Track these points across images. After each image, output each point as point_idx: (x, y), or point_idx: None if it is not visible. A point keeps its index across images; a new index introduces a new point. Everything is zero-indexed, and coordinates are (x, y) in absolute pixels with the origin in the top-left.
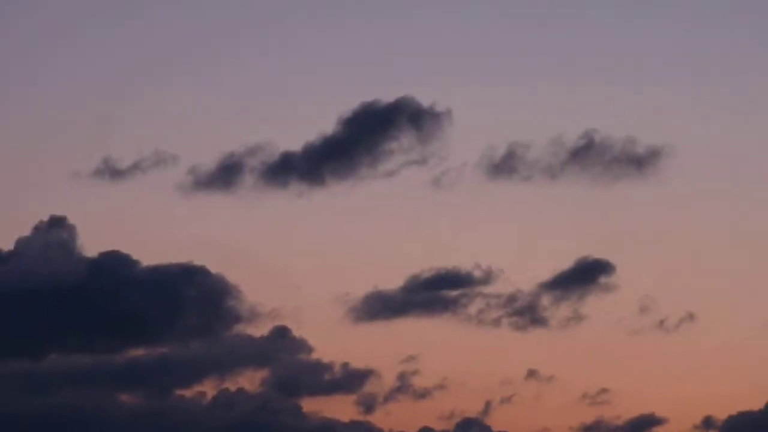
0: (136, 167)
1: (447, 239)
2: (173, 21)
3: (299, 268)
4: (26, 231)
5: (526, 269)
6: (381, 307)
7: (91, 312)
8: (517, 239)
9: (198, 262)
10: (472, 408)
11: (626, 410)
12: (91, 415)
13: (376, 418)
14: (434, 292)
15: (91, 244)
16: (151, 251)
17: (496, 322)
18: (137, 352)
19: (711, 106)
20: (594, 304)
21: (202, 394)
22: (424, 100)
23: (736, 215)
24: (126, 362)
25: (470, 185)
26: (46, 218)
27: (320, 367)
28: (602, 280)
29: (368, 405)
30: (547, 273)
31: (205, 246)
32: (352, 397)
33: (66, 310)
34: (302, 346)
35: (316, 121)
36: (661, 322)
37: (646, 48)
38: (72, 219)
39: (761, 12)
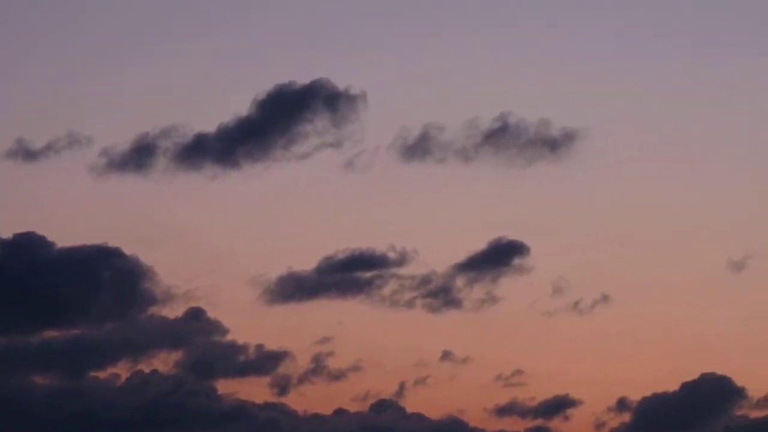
0: (49, 148)
1: (361, 221)
2: (87, 4)
3: (214, 250)
4: None
5: (440, 251)
6: (295, 288)
7: (6, 293)
8: (431, 221)
9: (112, 243)
10: (386, 389)
11: (540, 392)
12: (5, 396)
13: (291, 400)
14: (348, 274)
15: (5, 226)
16: (65, 233)
17: (411, 304)
18: (52, 334)
19: (625, 89)
20: (508, 285)
21: (116, 375)
22: (340, 82)
23: (650, 197)
24: (40, 344)
25: (384, 167)
26: None
27: (235, 349)
28: (516, 261)
29: (283, 387)
30: (461, 254)
31: (119, 227)
32: (267, 379)
33: None
34: (217, 327)
35: (230, 103)
36: (576, 304)
37: (560, 30)
38: None
39: None
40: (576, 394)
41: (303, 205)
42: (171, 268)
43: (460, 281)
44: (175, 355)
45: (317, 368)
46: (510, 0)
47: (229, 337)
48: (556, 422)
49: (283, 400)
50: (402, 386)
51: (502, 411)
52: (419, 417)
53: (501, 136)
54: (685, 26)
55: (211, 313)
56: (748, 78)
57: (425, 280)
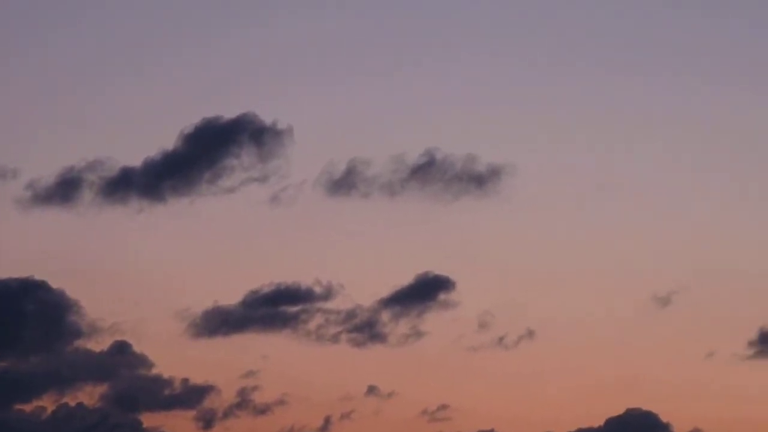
0: None
1: (287, 255)
2: (12, 37)
3: (139, 283)
4: None
5: (365, 285)
6: (221, 322)
7: None
8: (357, 255)
9: (38, 276)
10: (311, 424)
11: (466, 427)
12: None
13: None
14: (274, 308)
15: None
16: None
17: (336, 338)
18: None
19: (551, 125)
20: (434, 320)
21: (42, 408)
22: (266, 117)
23: (575, 233)
24: None
25: (310, 202)
26: None
27: (160, 383)
28: (442, 296)
29: (208, 420)
30: (387, 289)
31: (45, 261)
32: (192, 413)
33: None
34: (142, 361)
35: (157, 137)
36: (501, 339)
37: (487, 67)
38: None
39: (596, 29)
40: (501, 429)
41: (229, 239)
42: (97, 301)
43: (385, 316)
44: (101, 389)
45: (242, 402)
46: (437, 36)
47: (154, 371)
48: None
49: None
50: (327, 421)
51: None
52: None
53: (427, 171)
54: (612, 62)
55: (136, 347)
56: (673, 112)
57: (351, 315)
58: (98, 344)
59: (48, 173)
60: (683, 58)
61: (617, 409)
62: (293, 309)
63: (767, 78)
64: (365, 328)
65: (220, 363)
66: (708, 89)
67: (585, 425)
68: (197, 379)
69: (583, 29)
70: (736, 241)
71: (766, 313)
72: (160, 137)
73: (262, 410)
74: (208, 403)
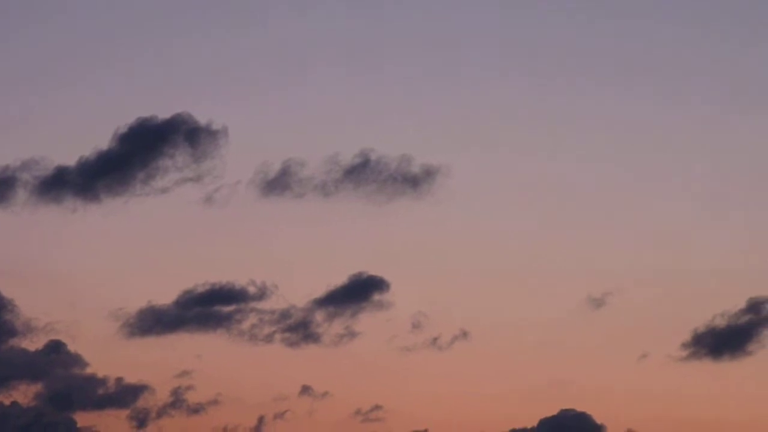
0: None
1: (221, 255)
2: None
3: (74, 283)
4: None
5: (299, 286)
6: (155, 322)
7: None
8: (291, 256)
9: None
10: (245, 424)
11: (399, 427)
12: None
13: None
14: (208, 308)
15: None
16: None
17: (270, 338)
18: None
19: (484, 126)
20: (367, 320)
21: None
22: (201, 117)
23: (510, 234)
24: None
25: (244, 202)
26: None
27: (94, 382)
28: (376, 296)
29: (142, 420)
30: (321, 289)
31: None
32: (126, 412)
33: None
34: (77, 360)
35: (91, 136)
36: (435, 340)
37: (422, 68)
38: None
39: (525, 30)
40: (434, 429)
41: (163, 239)
42: (31, 301)
43: (319, 316)
44: (35, 388)
45: (176, 402)
46: (370, 38)
47: (88, 370)
48: None
49: None
50: (261, 421)
51: None
52: None
53: (362, 172)
54: (541, 65)
55: (71, 346)
56: (605, 114)
57: (285, 315)
58: (33, 343)
59: None
60: (608, 60)
61: (551, 410)
62: (227, 309)
63: (686, 76)
64: (299, 329)
65: (154, 363)
66: (636, 90)
67: (519, 426)
68: (131, 378)
69: (513, 31)
70: (671, 243)
71: (699, 315)
72: (95, 137)
73: (196, 410)
74: (142, 402)
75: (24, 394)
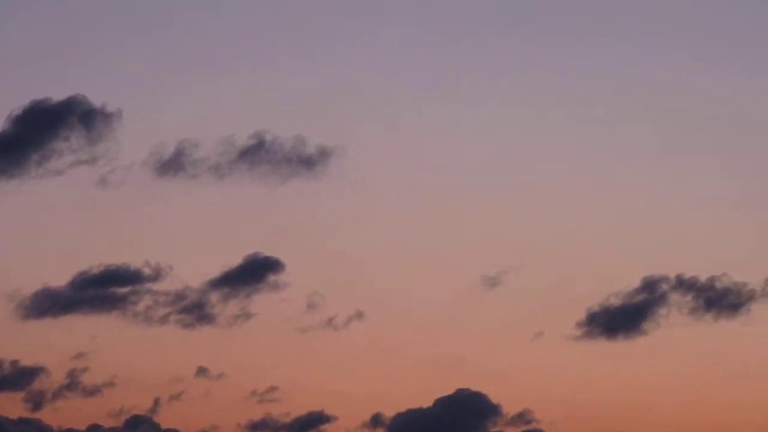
0: None
1: (116, 237)
2: None
3: None
4: None
5: (194, 267)
6: (50, 304)
7: None
8: (186, 237)
9: None
10: (141, 405)
11: (295, 407)
12: None
13: (45, 415)
14: (103, 290)
15: None
16: None
17: (165, 320)
18: None
19: (378, 107)
20: (263, 301)
21: None
22: (95, 99)
23: (404, 214)
24: None
25: (138, 184)
26: None
27: None
28: (271, 277)
29: (37, 402)
30: (215, 270)
31: None
32: (21, 394)
33: None
34: None
35: None
36: (330, 320)
37: (316, 49)
38: None
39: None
40: (331, 410)
41: (57, 221)
42: None
43: (214, 297)
44: None
45: (72, 384)
46: (265, 21)
47: None
48: None
49: (38, 415)
50: (157, 402)
51: (256, 426)
52: None
53: (256, 153)
54: (441, 50)
55: None
56: (498, 92)
57: (180, 296)
58: None
59: None
60: (497, 37)
61: (447, 390)
62: (122, 290)
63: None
64: (194, 310)
65: (50, 344)
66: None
67: (415, 405)
68: (27, 360)
69: (404, 11)
70: (566, 222)
71: (594, 294)
72: None
73: (92, 392)
74: (38, 384)
75: None
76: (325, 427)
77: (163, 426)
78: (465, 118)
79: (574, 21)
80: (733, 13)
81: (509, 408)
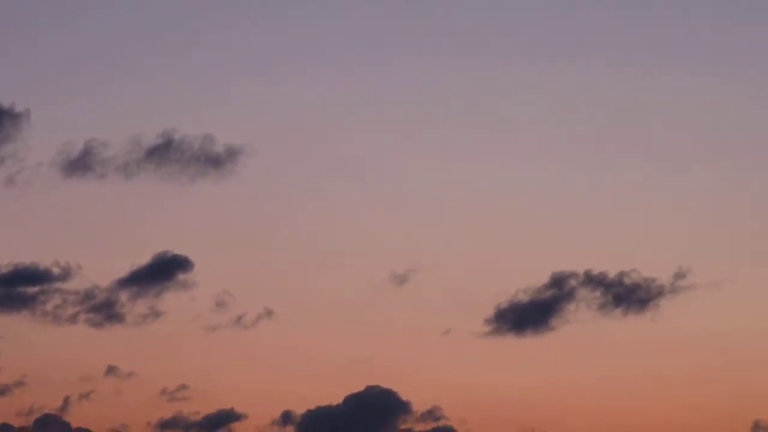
0: None
1: (24, 236)
2: None
3: None
4: None
5: (103, 266)
6: None
7: None
8: (94, 236)
9: None
10: (51, 404)
11: (205, 406)
12: None
13: None
14: (12, 289)
15: None
16: None
17: (74, 319)
18: None
19: (288, 106)
20: (172, 300)
21: None
22: (3, 100)
23: (312, 212)
24: None
25: (47, 183)
26: None
27: None
28: (180, 276)
29: None
30: (124, 269)
31: None
32: None
33: None
34: None
35: None
36: (239, 318)
37: (227, 46)
38: None
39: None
40: (241, 407)
41: None
42: None
43: (123, 296)
44: None
45: None
46: (175, 19)
47: None
48: None
49: None
50: (66, 401)
51: (167, 425)
52: (84, 431)
53: (164, 153)
54: (374, 44)
55: None
56: (410, 88)
57: (89, 295)
58: None
59: None
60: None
61: (357, 387)
62: (31, 290)
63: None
64: (103, 309)
65: None
66: (442, 63)
67: (324, 403)
68: None
69: (313, 12)
70: (473, 219)
71: (502, 291)
72: None
73: (2, 391)
74: None
75: None
76: (236, 425)
77: (74, 425)
78: (371, 117)
79: (469, 20)
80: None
81: (419, 405)
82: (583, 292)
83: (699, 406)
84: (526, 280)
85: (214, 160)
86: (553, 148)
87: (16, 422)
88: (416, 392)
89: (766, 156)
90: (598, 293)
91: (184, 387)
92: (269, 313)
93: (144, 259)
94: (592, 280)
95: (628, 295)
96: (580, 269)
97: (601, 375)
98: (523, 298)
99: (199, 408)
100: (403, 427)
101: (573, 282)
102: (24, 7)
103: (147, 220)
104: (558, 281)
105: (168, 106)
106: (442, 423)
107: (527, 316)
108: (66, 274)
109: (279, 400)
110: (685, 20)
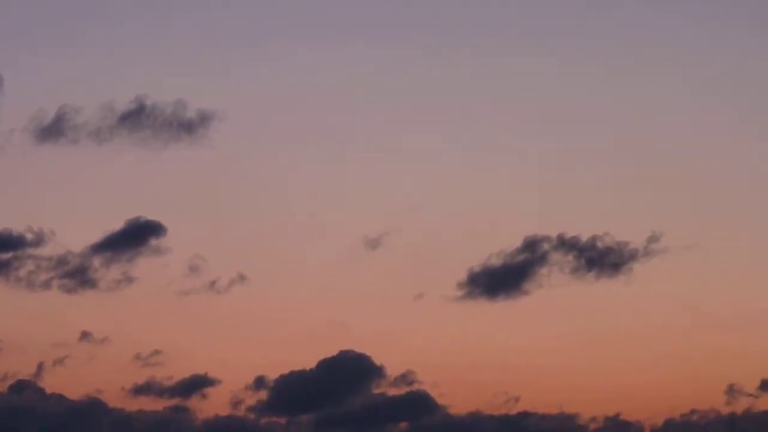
0: None
1: None
2: None
3: None
4: None
5: (76, 231)
6: None
7: None
8: (67, 202)
9: None
10: (25, 370)
11: (179, 371)
12: None
13: None
14: None
15: None
16: None
17: (47, 285)
18: None
19: (258, 71)
20: (145, 265)
21: None
22: None
23: (285, 177)
24: None
25: (19, 150)
26: None
27: None
28: (153, 241)
29: None
30: (97, 235)
31: None
32: None
33: None
34: None
35: None
36: (213, 283)
37: (197, 13)
38: None
39: None
40: (214, 373)
41: None
42: None
43: (96, 261)
44: None
45: None
46: None
47: None
48: (194, 401)
49: None
50: (40, 367)
51: (141, 390)
52: (59, 397)
53: (136, 118)
54: (357, 18)
55: None
56: (397, 62)
57: (62, 261)
58: None
59: None
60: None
61: (330, 352)
62: (4, 256)
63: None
64: (77, 274)
65: None
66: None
67: (298, 367)
68: None
69: None
70: (446, 183)
71: (475, 255)
72: None
73: None
74: None
75: None
76: (209, 389)
77: (48, 391)
78: (341, 88)
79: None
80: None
81: (392, 369)
82: (556, 256)
83: (672, 369)
84: (499, 244)
85: (186, 126)
86: (525, 112)
87: None
88: (389, 357)
89: (735, 122)
90: (571, 257)
91: (157, 352)
92: (242, 278)
93: (117, 224)
94: (565, 244)
95: (601, 258)
96: (553, 233)
97: (574, 339)
98: (496, 262)
99: (172, 373)
100: (376, 391)
101: (546, 246)
102: None
103: (120, 186)
104: (531, 245)
105: (140, 71)
106: (415, 387)
107: (500, 280)
108: (39, 240)
109: (252, 365)
110: None
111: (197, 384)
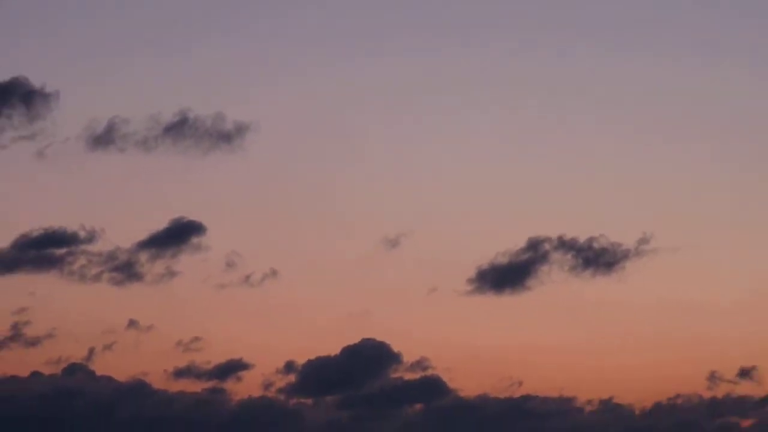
0: None
1: (53, 203)
2: None
3: None
4: None
5: (124, 230)
6: None
7: None
8: (116, 204)
9: None
10: (77, 354)
11: (216, 356)
12: None
13: None
14: (42, 250)
15: None
16: None
17: (98, 277)
18: None
19: (291, 86)
20: (186, 261)
21: None
22: (36, 81)
23: (313, 181)
24: None
25: (74, 156)
26: None
27: None
28: (194, 239)
29: None
30: (143, 233)
31: None
32: None
33: None
34: None
35: None
36: (247, 278)
37: (232, 31)
38: None
39: None
40: (248, 358)
41: (1, 189)
42: None
43: (143, 257)
44: None
45: (15, 336)
46: (191, 5)
47: None
48: (229, 383)
49: None
50: (91, 352)
51: (181, 373)
52: (107, 379)
53: (180, 129)
54: (352, 26)
55: None
56: (418, 72)
57: (111, 256)
58: None
59: None
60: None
61: (353, 339)
62: (59, 251)
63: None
64: (124, 268)
65: None
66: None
67: (323, 354)
68: None
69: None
70: (457, 189)
71: (483, 254)
72: None
73: (33, 342)
74: None
75: None
76: (243, 373)
77: (98, 373)
78: (362, 90)
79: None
80: None
81: (408, 356)
82: (556, 256)
83: (659, 357)
84: (504, 244)
85: (224, 136)
86: (531, 120)
87: (46, 370)
88: (406, 344)
89: (724, 128)
90: (569, 256)
91: (197, 339)
92: (274, 273)
93: (161, 224)
94: (565, 245)
95: (596, 258)
96: (554, 234)
97: (572, 330)
98: (502, 260)
99: (210, 358)
100: (394, 375)
101: (547, 246)
102: None
103: (164, 190)
104: (534, 245)
105: (184, 87)
106: (429, 372)
107: (506, 276)
108: (91, 237)
109: (282, 351)
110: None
111: (233, 368)
